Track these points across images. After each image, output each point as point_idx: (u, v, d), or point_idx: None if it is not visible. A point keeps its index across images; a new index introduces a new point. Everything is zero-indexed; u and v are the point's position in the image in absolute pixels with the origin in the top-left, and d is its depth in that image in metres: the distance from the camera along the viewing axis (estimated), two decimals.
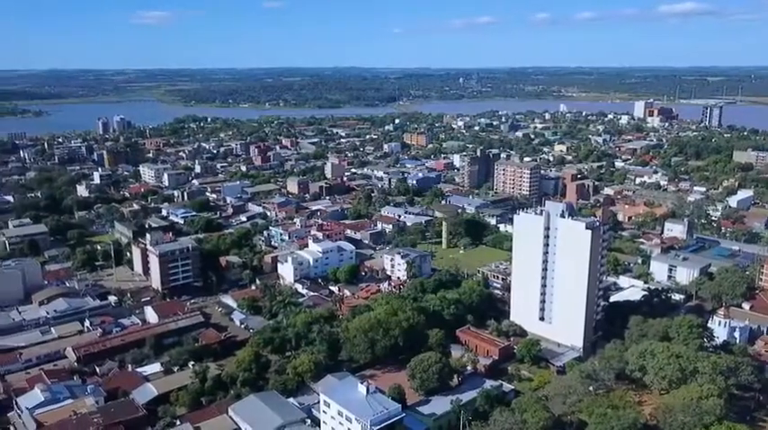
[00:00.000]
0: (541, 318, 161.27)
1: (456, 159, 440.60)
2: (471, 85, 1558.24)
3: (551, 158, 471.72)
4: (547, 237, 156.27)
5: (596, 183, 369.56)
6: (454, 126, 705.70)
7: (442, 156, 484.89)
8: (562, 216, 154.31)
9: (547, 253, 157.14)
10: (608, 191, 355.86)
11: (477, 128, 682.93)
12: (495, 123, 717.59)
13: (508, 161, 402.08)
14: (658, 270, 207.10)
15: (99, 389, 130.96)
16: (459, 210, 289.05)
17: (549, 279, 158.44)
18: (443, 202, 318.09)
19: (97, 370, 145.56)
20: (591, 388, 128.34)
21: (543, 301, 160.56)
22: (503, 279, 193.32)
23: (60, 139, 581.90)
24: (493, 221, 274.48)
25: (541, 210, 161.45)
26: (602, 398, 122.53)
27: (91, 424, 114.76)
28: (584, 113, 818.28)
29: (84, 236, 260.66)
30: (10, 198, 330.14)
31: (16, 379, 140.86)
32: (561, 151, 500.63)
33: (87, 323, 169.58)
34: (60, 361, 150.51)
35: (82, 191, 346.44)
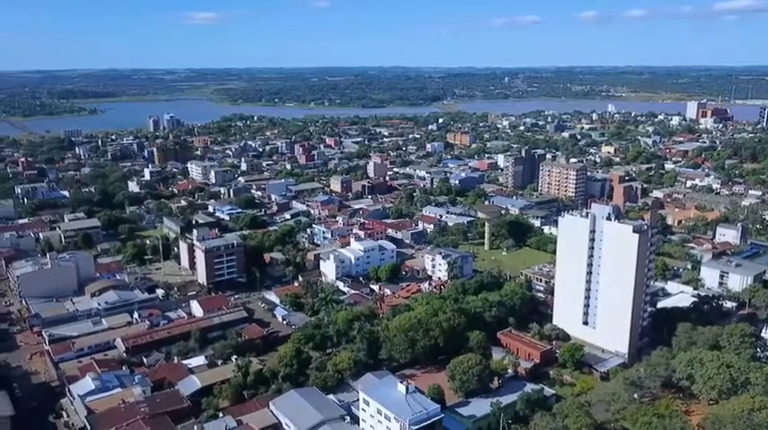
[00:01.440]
0: (585, 323, 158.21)
1: (500, 159, 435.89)
2: (517, 85, 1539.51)
3: (598, 160, 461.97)
4: (592, 240, 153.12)
5: (645, 185, 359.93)
6: (499, 126, 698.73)
7: (486, 155, 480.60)
8: (608, 219, 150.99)
9: (592, 256, 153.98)
10: (657, 194, 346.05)
11: (522, 128, 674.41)
12: (540, 123, 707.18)
13: (554, 162, 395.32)
14: (709, 276, 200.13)
15: (146, 380, 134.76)
16: (503, 211, 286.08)
17: (593, 283, 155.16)
18: (486, 203, 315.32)
19: (144, 361, 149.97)
20: (636, 395, 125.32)
21: (587, 306, 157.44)
22: (546, 282, 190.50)
23: (113, 137, 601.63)
24: (537, 223, 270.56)
25: (587, 213, 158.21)
26: (648, 407, 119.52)
27: (138, 413, 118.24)
28: (633, 114, 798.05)
29: (134, 230, 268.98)
30: (66, 193, 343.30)
31: (69, 367, 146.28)
32: (609, 152, 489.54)
33: (136, 315, 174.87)
34: (110, 351, 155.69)
35: (133, 187, 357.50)
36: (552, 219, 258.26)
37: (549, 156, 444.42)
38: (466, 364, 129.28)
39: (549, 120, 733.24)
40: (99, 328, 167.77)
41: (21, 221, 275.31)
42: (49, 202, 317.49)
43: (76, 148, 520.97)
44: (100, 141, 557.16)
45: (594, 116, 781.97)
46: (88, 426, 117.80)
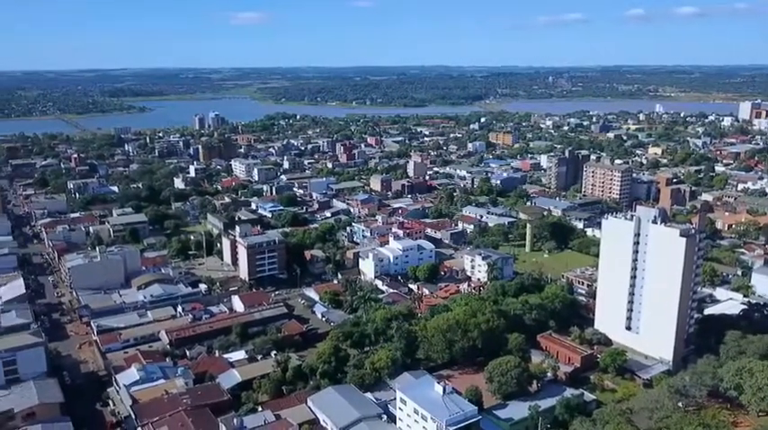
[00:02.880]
0: (628, 328, 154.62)
1: (543, 160, 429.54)
2: (561, 84, 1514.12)
3: (644, 161, 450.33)
4: (637, 243, 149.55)
5: (693, 188, 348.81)
6: (542, 125, 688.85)
7: (529, 156, 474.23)
8: (654, 222, 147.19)
9: (636, 260, 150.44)
10: (706, 197, 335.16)
11: (566, 128, 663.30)
12: (585, 123, 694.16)
13: (598, 163, 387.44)
14: (761, 283, 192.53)
15: (188, 372, 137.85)
16: (545, 213, 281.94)
17: (637, 287, 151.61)
18: (528, 204, 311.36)
19: (187, 353, 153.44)
20: (680, 404, 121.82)
21: (631, 310, 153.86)
22: (588, 285, 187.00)
23: (161, 134, 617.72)
24: (580, 225, 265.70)
25: (632, 215, 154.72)
26: (693, 416, 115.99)
27: (180, 404, 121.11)
28: (682, 114, 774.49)
29: (179, 226, 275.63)
30: (115, 188, 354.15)
31: (116, 357, 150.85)
32: (656, 154, 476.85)
33: (179, 309, 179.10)
34: (155, 343, 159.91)
35: (179, 183, 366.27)
36: (596, 221, 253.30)
37: (593, 157, 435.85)
38: (504, 366, 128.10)
39: (594, 120, 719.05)
40: (144, 321, 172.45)
41: (72, 215, 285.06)
42: (99, 197, 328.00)
43: (125, 145, 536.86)
44: (148, 138, 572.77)
45: (641, 116, 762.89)
46: (133, 415, 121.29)
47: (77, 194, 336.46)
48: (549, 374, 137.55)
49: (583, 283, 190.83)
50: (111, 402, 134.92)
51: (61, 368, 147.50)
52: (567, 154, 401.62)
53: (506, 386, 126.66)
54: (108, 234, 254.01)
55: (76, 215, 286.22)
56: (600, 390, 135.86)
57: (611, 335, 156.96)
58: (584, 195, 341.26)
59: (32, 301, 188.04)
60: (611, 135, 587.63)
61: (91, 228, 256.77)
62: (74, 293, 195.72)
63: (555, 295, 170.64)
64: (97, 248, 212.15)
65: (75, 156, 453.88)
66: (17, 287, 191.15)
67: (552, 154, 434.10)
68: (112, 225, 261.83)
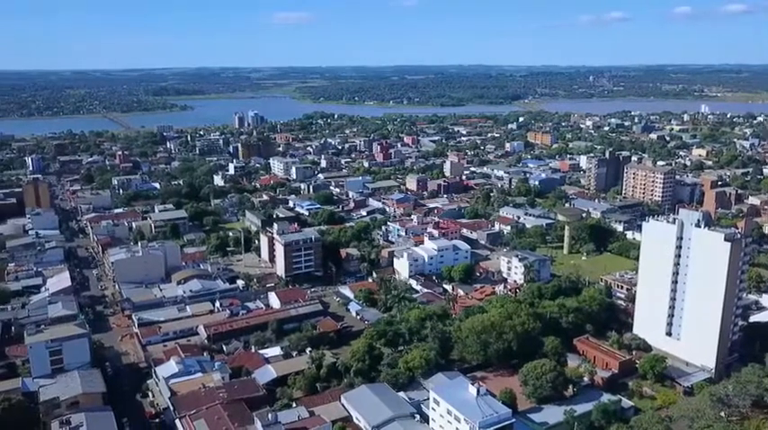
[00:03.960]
0: (669, 334, 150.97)
1: (582, 160, 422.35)
2: (602, 84, 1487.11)
3: (688, 163, 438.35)
4: (679, 247, 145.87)
5: (739, 191, 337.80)
6: (582, 126, 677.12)
7: (568, 156, 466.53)
8: (698, 225, 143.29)
9: (678, 264, 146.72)
10: (753, 200, 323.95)
11: (606, 128, 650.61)
12: (626, 124, 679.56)
13: (639, 164, 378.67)
14: None
15: (225, 367, 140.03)
16: (584, 214, 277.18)
17: (679, 292, 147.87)
18: (567, 205, 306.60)
19: (224, 348, 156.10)
20: (722, 413, 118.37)
21: (672, 316, 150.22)
22: (627, 289, 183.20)
23: (201, 132, 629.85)
24: (619, 228, 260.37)
25: (674, 219, 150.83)
26: (735, 426, 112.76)
27: (217, 397, 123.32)
28: (728, 115, 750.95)
29: (218, 222, 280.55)
30: (157, 185, 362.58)
31: (155, 350, 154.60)
32: (700, 155, 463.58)
33: (217, 304, 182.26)
34: (193, 337, 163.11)
35: (218, 180, 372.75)
36: (636, 224, 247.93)
37: (634, 158, 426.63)
38: (540, 370, 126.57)
39: (636, 120, 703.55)
40: (183, 315, 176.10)
41: (116, 211, 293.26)
42: (142, 194, 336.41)
43: (167, 143, 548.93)
44: (189, 136, 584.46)
45: (686, 117, 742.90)
46: (171, 407, 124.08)
47: (121, 190, 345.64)
48: (585, 379, 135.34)
49: (622, 287, 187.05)
50: (150, 393, 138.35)
51: (104, 359, 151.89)
52: (607, 155, 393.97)
53: (541, 389, 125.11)
54: (150, 229, 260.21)
55: (120, 211, 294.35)
56: (638, 397, 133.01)
57: (650, 340, 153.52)
58: (624, 197, 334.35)
59: (78, 294, 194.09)
60: (653, 136, 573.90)
61: (133, 224, 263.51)
62: (116, 286, 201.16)
63: (592, 298, 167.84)
64: (139, 243, 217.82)
65: (120, 153, 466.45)
66: (64, 279, 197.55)
67: (592, 154, 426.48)
68: (154, 221, 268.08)
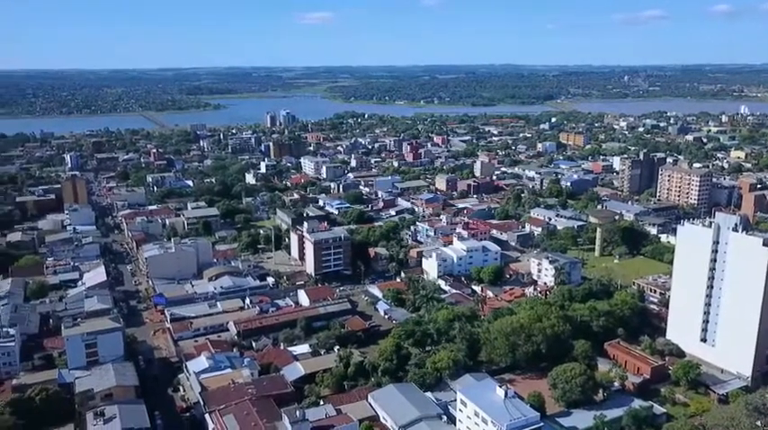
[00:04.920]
0: (703, 340, 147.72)
1: (616, 162, 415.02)
2: (637, 84, 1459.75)
3: (726, 165, 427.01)
4: (715, 251, 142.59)
5: None
6: (616, 126, 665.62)
7: (601, 157, 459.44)
8: (735, 229, 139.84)
9: (714, 269, 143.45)
10: None
11: (641, 129, 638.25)
12: (662, 125, 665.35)
13: (675, 166, 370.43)
14: None
15: (254, 363, 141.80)
16: (616, 217, 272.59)
17: (714, 297, 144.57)
18: (599, 207, 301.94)
19: (253, 345, 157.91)
20: (759, 423, 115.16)
21: (706, 322, 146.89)
22: (661, 293, 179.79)
23: (234, 131, 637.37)
24: (653, 231, 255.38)
25: (711, 222, 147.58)
26: None
27: (246, 393, 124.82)
28: None
29: (249, 220, 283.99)
30: (190, 182, 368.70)
31: (187, 345, 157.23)
32: (738, 158, 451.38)
33: (248, 301, 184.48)
34: (223, 333, 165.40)
35: (250, 179, 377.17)
36: (671, 227, 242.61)
37: (669, 159, 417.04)
38: (569, 373, 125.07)
39: (672, 121, 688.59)
40: (214, 311, 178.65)
41: (150, 208, 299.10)
42: (175, 191, 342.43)
43: (201, 141, 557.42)
44: (221, 135, 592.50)
45: (724, 118, 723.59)
46: (201, 402, 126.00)
47: (155, 188, 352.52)
48: (616, 384, 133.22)
49: (655, 291, 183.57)
50: (181, 388, 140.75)
51: (136, 353, 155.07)
52: (641, 156, 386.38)
53: (571, 393, 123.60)
54: (182, 226, 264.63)
55: (154, 207, 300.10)
56: (671, 404, 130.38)
57: (684, 346, 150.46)
58: (658, 200, 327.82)
59: (112, 288, 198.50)
60: (689, 137, 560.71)
61: (167, 220, 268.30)
62: (150, 282, 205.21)
63: (624, 302, 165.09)
64: (172, 240, 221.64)
65: (154, 151, 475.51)
66: (99, 274, 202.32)
67: (626, 156, 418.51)
68: (187, 218, 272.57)
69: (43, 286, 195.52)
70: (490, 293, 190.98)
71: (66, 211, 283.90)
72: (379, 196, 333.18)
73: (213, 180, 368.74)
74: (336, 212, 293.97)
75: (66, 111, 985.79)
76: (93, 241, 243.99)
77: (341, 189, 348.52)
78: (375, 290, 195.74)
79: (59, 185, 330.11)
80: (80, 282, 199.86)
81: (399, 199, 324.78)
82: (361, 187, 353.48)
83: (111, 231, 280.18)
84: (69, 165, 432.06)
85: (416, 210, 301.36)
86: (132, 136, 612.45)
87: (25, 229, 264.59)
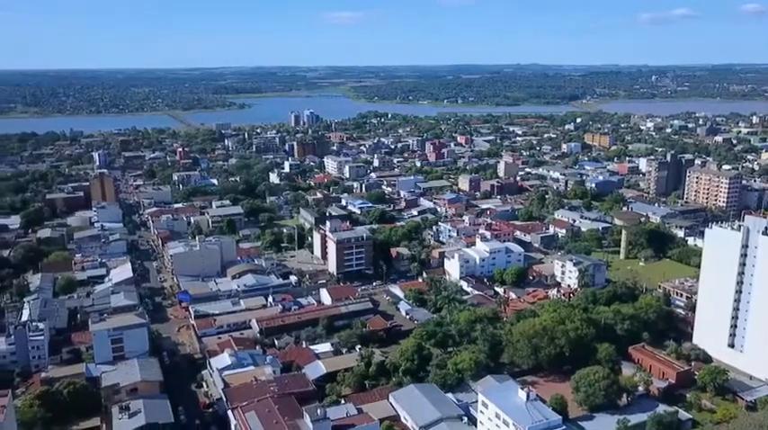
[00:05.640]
0: (731, 345, 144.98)
1: (642, 163, 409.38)
2: (665, 84, 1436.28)
3: (756, 167, 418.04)
4: (744, 255, 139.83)
5: None
6: (642, 127, 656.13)
7: (627, 159, 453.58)
8: (765, 233, 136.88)
9: (743, 273, 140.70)
10: None
11: (668, 130, 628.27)
12: (690, 126, 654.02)
13: (703, 168, 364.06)
14: None
15: (276, 361, 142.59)
16: (642, 219, 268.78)
17: (743, 302, 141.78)
18: (625, 209, 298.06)
19: (276, 342, 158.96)
20: None
21: (735, 327, 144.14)
22: (687, 297, 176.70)
23: (258, 130, 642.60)
24: (680, 233, 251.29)
25: (740, 225, 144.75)
26: None
27: (268, 391, 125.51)
28: None
29: (272, 219, 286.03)
30: (215, 181, 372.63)
31: (210, 342, 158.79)
32: None
33: (270, 299, 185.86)
34: (246, 330, 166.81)
35: (274, 178, 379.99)
36: (698, 230, 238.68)
37: (698, 161, 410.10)
38: (592, 377, 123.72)
39: (701, 122, 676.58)
40: (237, 309, 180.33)
41: (176, 206, 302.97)
42: (200, 189, 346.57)
43: (225, 140, 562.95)
44: (246, 134, 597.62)
45: (755, 119, 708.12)
46: (224, 398, 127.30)
47: (181, 186, 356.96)
48: (640, 388, 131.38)
49: (681, 295, 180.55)
50: (204, 384, 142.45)
51: (161, 348, 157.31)
52: (668, 157, 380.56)
53: (594, 397, 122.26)
54: (207, 224, 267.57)
55: (179, 205, 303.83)
56: (697, 410, 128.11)
57: (711, 351, 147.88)
58: (685, 202, 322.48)
59: (138, 285, 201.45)
60: (719, 138, 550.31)
61: (192, 219, 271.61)
62: (174, 279, 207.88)
63: (650, 306, 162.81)
64: (197, 237, 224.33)
65: (180, 149, 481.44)
66: (126, 271, 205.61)
67: (652, 157, 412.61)
68: (211, 216, 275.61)
69: (72, 282, 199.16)
70: (513, 295, 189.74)
71: (94, 209, 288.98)
72: (402, 196, 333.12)
73: (238, 179, 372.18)
74: (359, 212, 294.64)
75: (95, 110, 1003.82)
76: (120, 238, 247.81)
77: (363, 188, 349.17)
78: (397, 289, 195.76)
79: (88, 183, 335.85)
80: (107, 279, 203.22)
81: (422, 199, 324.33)
82: (383, 187, 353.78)
83: (137, 228, 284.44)
84: (98, 164, 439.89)
85: (439, 210, 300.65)
86: (159, 135, 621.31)
87: (55, 226, 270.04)
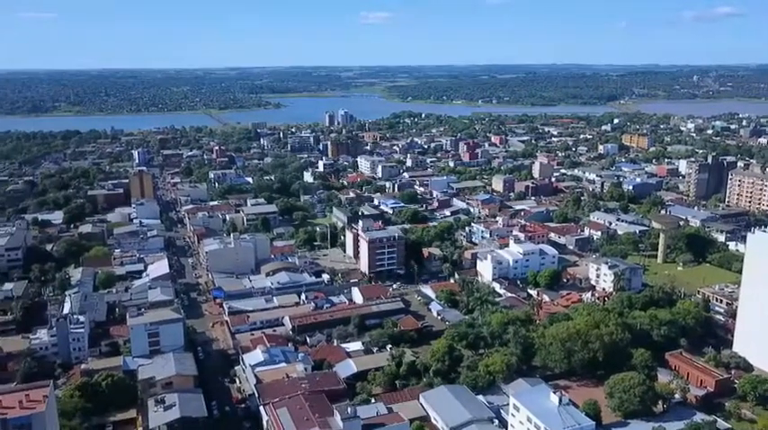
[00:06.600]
0: None
1: (682, 165, 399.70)
2: (707, 84, 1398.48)
3: None
4: None
5: None
6: (683, 128, 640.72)
7: (666, 161, 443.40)
8: None
9: None
10: None
11: (710, 131, 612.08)
12: (733, 127, 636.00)
13: (746, 171, 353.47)
14: None
15: (308, 358, 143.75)
16: (681, 222, 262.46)
17: None
18: (663, 212, 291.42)
19: (308, 340, 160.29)
20: None
21: None
22: (728, 303, 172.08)
23: (293, 129, 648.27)
24: (721, 238, 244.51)
25: None
26: None
27: (299, 388, 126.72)
28: None
29: (306, 218, 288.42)
30: (250, 179, 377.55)
31: (243, 338, 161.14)
32: None
33: (303, 296, 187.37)
34: (278, 327, 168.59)
35: (308, 177, 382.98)
36: (740, 234, 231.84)
37: (740, 163, 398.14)
38: (627, 382, 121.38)
39: (744, 123, 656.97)
40: (270, 306, 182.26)
41: (211, 203, 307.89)
42: (236, 188, 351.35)
43: (261, 139, 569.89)
44: (281, 134, 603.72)
45: None
46: (256, 394, 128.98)
47: (217, 184, 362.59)
48: (677, 396, 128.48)
49: (721, 301, 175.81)
50: (237, 379, 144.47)
51: (195, 343, 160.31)
52: (709, 160, 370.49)
53: (628, 403, 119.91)
54: (242, 222, 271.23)
55: (215, 203, 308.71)
56: (736, 419, 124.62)
57: (752, 359, 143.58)
58: (727, 205, 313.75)
59: (174, 280, 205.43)
60: (763, 140, 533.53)
61: (227, 216, 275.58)
62: (209, 275, 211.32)
63: (688, 311, 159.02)
64: (232, 235, 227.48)
65: (217, 148, 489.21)
66: (163, 266, 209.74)
67: (692, 159, 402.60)
68: (246, 214, 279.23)
69: (111, 276, 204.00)
70: (546, 298, 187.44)
71: (133, 205, 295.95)
72: (434, 196, 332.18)
73: (272, 177, 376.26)
74: (391, 211, 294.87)
75: (134, 109, 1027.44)
76: (158, 234, 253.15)
77: (396, 188, 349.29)
78: (428, 290, 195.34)
79: (127, 180, 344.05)
80: (144, 274, 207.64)
81: (454, 199, 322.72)
82: (416, 187, 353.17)
83: (174, 225, 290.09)
84: (137, 161, 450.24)
85: (472, 210, 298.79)
86: (196, 133, 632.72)
87: (95, 222, 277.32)
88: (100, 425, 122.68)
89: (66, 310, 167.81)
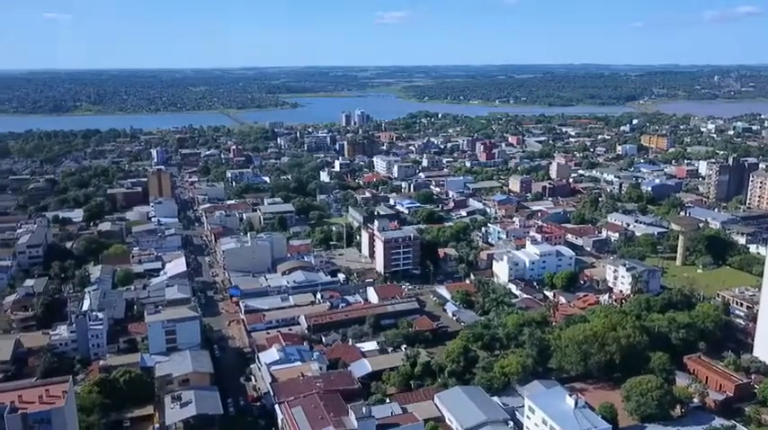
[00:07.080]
0: None
1: (702, 166, 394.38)
2: (728, 84, 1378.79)
3: None
4: None
5: None
6: (703, 129, 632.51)
7: (685, 162, 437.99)
8: None
9: None
10: None
11: (731, 132, 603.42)
12: (754, 128, 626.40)
13: None
14: None
15: (323, 357, 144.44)
16: (701, 224, 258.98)
17: None
18: (682, 214, 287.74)
19: (323, 339, 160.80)
20: None
21: None
22: (748, 307, 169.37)
23: (310, 129, 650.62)
24: (741, 240, 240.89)
25: None
26: None
27: (314, 387, 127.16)
28: None
29: (322, 217, 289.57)
30: (267, 179, 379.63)
31: (259, 336, 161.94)
32: None
33: (319, 296, 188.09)
34: (294, 326, 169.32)
35: (324, 176, 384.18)
36: (761, 237, 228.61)
37: (762, 165, 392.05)
38: (645, 386, 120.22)
39: (766, 124, 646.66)
40: (286, 304, 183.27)
41: (228, 202, 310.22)
42: (253, 187, 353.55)
43: (278, 139, 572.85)
44: (298, 133, 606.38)
45: None
46: (271, 392, 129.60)
47: (234, 183, 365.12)
48: (695, 400, 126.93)
49: (742, 304, 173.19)
50: (253, 378, 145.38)
51: (212, 341, 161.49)
52: (730, 161, 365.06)
53: (645, 407, 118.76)
54: (259, 221, 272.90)
55: (232, 202, 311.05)
56: (756, 424, 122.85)
57: None
58: (748, 207, 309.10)
59: (191, 278, 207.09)
60: None
61: (244, 215, 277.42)
62: (226, 274, 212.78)
63: (707, 315, 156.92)
64: (248, 234, 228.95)
65: (234, 147, 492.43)
66: (180, 265, 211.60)
67: (713, 160, 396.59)
68: (263, 213, 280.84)
69: (129, 274, 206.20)
70: (563, 299, 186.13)
71: (151, 204, 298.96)
72: (450, 196, 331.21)
73: (289, 177, 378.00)
74: (407, 211, 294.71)
75: (153, 109, 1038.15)
76: (176, 233, 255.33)
77: (412, 188, 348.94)
78: (443, 290, 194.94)
79: (146, 179, 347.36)
80: (162, 272, 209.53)
81: (471, 199, 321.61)
82: (431, 187, 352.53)
83: (191, 224, 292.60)
84: (155, 160, 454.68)
85: (488, 211, 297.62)
86: (214, 133, 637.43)
87: (114, 220, 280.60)
88: (117, 421, 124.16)
89: (85, 307, 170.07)
